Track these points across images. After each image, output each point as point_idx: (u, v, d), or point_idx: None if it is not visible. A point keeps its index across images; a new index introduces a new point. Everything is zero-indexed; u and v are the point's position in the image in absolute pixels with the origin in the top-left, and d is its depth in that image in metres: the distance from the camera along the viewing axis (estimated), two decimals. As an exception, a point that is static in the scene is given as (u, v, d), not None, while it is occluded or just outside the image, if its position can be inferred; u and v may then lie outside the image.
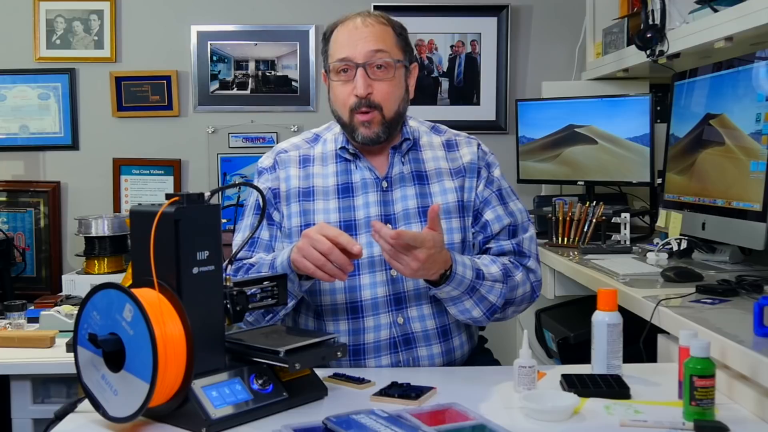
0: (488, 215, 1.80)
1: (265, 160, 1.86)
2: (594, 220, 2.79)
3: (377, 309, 1.73)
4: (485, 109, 3.48)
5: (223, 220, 2.89)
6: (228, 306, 1.37)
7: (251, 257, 1.78)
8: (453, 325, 1.78)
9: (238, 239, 1.83)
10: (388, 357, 1.73)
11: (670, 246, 2.39)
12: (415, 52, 1.90)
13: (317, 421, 1.27)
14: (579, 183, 3.12)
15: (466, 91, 3.48)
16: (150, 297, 1.25)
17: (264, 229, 1.80)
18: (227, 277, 1.40)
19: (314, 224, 1.75)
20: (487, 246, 1.80)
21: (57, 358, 2.23)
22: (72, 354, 1.31)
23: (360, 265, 1.72)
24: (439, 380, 1.55)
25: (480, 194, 1.81)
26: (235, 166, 3.44)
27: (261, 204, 1.51)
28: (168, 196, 1.28)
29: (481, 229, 1.80)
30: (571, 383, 1.46)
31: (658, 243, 2.44)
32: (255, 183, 1.82)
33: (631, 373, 1.55)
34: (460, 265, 1.64)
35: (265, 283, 1.49)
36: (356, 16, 1.76)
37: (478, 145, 1.88)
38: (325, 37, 1.80)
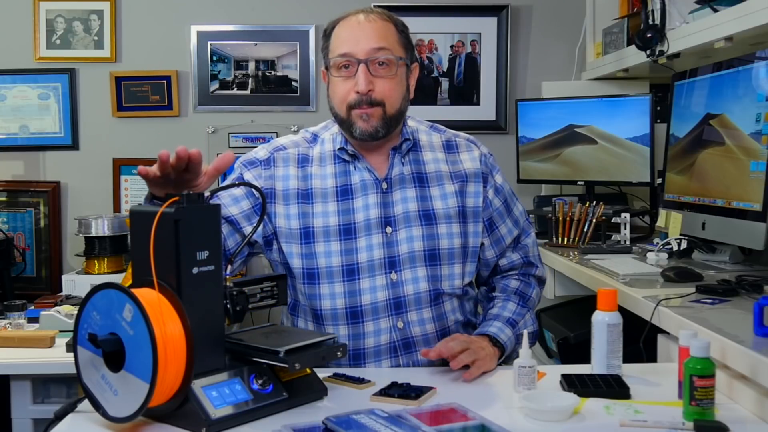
0: (503, 229, 1.85)
1: (261, 151, 1.81)
2: (594, 220, 2.79)
3: (377, 313, 1.72)
4: (485, 109, 3.48)
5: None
6: (228, 306, 1.37)
7: None
8: (452, 329, 1.77)
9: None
10: (388, 361, 1.72)
11: (670, 246, 2.39)
12: (416, 52, 1.89)
13: (317, 421, 1.27)
14: (579, 183, 3.12)
15: (466, 91, 3.48)
16: (150, 297, 1.25)
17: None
18: (227, 277, 1.41)
19: (314, 227, 1.74)
20: (497, 263, 1.86)
21: (57, 358, 2.23)
22: (72, 354, 1.31)
23: (360, 269, 1.71)
24: (439, 380, 1.55)
25: (491, 203, 1.83)
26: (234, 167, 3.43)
27: (260, 199, 1.49)
28: (168, 196, 1.29)
29: (494, 243, 1.84)
30: (571, 383, 1.46)
31: (658, 243, 2.44)
32: (241, 169, 1.79)
33: (631, 373, 1.55)
34: (499, 331, 1.73)
35: (265, 283, 1.49)
36: (358, 12, 1.75)
37: (479, 147, 1.87)
38: (326, 34, 1.78)
